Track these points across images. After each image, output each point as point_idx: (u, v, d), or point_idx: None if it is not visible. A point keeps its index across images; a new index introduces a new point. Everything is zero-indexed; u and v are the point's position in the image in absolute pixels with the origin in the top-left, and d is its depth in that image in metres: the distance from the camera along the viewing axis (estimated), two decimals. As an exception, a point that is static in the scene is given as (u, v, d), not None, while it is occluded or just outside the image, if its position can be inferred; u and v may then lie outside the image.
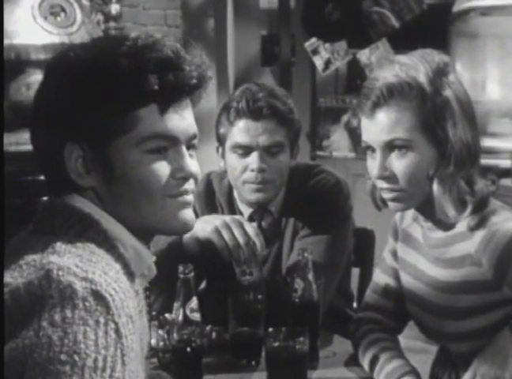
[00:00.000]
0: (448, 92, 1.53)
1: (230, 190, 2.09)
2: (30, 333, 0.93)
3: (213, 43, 4.37)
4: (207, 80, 1.14)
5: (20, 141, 2.74)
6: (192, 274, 1.59)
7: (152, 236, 1.20)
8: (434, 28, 3.79)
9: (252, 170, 1.94)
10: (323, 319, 1.76)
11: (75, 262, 1.00)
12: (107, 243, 1.09)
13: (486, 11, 3.60)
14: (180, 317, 1.59)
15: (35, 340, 0.92)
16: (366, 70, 4.17)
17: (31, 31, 2.93)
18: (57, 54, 1.15)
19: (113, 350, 0.95)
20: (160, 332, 1.68)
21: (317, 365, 1.72)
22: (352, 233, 2.09)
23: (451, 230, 1.59)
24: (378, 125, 1.54)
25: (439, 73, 1.53)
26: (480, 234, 1.53)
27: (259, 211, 2.04)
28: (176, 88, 1.10)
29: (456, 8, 3.73)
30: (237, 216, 1.93)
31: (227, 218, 1.86)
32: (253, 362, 1.73)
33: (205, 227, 1.82)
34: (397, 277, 1.75)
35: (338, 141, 4.41)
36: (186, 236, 1.83)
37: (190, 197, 1.16)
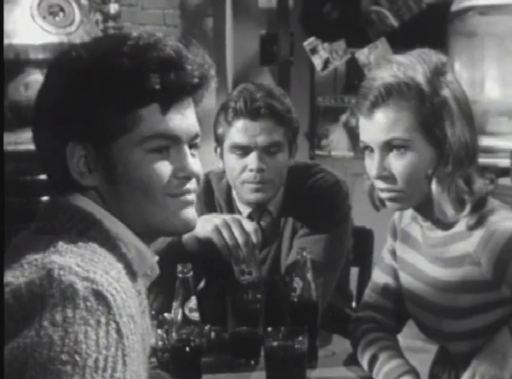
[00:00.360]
0: (446, 92, 1.53)
1: (228, 190, 2.09)
2: (31, 333, 0.93)
3: (212, 43, 4.36)
4: (209, 80, 1.14)
5: (19, 141, 2.74)
6: (191, 273, 1.59)
7: (156, 236, 1.20)
8: (433, 27, 3.79)
9: (251, 170, 1.94)
10: (322, 318, 1.77)
11: (76, 262, 1.00)
12: (109, 243, 1.09)
13: (484, 10, 3.59)
14: (179, 317, 1.59)
15: (36, 340, 0.92)
16: (365, 70, 4.17)
17: (29, 30, 2.92)
18: (58, 53, 1.16)
19: (114, 350, 0.95)
20: (159, 331, 1.68)
21: (316, 365, 1.72)
22: (350, 232, 2.09)
23: (450, 230, 1.59)
24: (376, 125, 1.54)
25: (437, 73, 1.53)
26: (478, 234, 1.53)
27: (258, 210, 2.04)
28: (178, 87, 1.10)
29: (454, 7, 3.73)
30: (236, 215, 1.93)
31: (227, 217, 1.86)
32: (252, 362, 1.73)
33: (204, 226, 1.82)
34: (396, 276, 1.76)
35: (337, 141, 4.40)
36: (186, 235, 1.83)
37: (191, 197, 1.16)
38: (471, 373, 1.54)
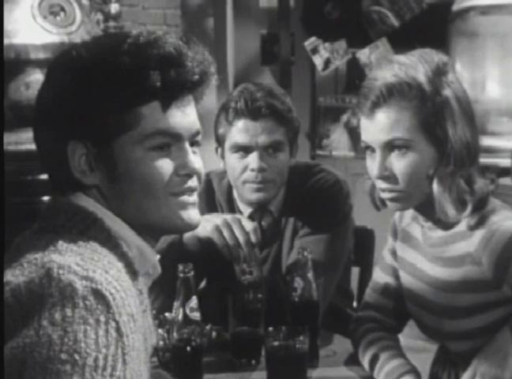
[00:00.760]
0: (447, 92, 1.53)
1: (229, 190, 2.09)
2: (30, 332, 0.93)
3: (213, 43, 4.36)
4: (209, 77, 1.14)
5: (20, 141, 2.74)
6: (192, 273, 1.59)
7: (158, 235, 1.20)
8: (434, 27, 3.79)
9: (252, 170, 1.94)
10: (323, 318, 1.77)
11: (76, 261, 1.00)
12: (110, 242, 1.09)
13: (486, 10, 3.59)
14: (180, 316, 1.59)
15: (35, 339, 0.92)
16: (366, 69, 4.17)
17: (30, 30, 2.92)
18: (59, 53, 1.16)
19: (114, 349, 0.94)
20: (160, 331, 1.68)
21: (317, 365, 1.72)
22: (351, 232, 2.09)
23: (451, 230, 1.59)
24: (377, 125, 1.53)
25: (438, 73, 1.53)
26: (479, 234, 1.53)
27: (259, 210, 2.04)
28: (178, 84, 1.10)
29: (456, 7, 3.73)
30: (237, 215, 1.93)
31: (228, 217, 1.86)
32: (253, 361, 1.73)
33: (205, 225, 1.82)
34: (396, 276, 1.76)
35: (338, 140, 4.40)
36: (187, 235, 1.84)
37: (193, 198, 1.15)
38: (471, 373, 1.54)
